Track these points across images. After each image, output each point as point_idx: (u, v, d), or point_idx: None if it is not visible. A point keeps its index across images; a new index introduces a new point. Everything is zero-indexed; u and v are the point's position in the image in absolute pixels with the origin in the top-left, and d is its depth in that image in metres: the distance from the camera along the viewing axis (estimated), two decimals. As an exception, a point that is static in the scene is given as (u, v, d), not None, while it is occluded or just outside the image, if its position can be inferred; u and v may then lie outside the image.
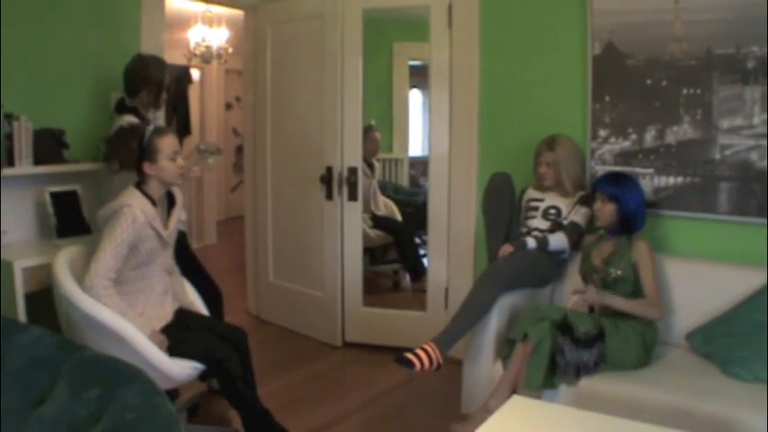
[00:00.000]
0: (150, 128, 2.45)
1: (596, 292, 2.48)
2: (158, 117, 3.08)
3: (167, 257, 2.55)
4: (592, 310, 2.62)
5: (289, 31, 3.95)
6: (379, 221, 4.74)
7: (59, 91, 3.14)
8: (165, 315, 2.52)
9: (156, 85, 2.93)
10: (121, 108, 2.94)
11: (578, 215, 2.86)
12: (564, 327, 2.43)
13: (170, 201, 2.58)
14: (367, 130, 4.78)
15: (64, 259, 2.42)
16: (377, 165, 5.06)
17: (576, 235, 2.82)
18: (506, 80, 3.33)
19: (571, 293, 2.50)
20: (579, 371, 2.37)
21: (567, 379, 2.37)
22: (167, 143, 2.43)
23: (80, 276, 2.34)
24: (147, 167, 2.41)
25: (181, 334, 2.45)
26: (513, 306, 2.72)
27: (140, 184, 2.44)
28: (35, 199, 3.03)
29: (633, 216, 2.58)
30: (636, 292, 2.52)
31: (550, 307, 2.66)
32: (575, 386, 2.37)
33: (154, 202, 2.43)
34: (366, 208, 4.69)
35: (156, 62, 2.99)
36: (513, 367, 2.47)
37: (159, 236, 2.43)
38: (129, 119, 2.84)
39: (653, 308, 2.47)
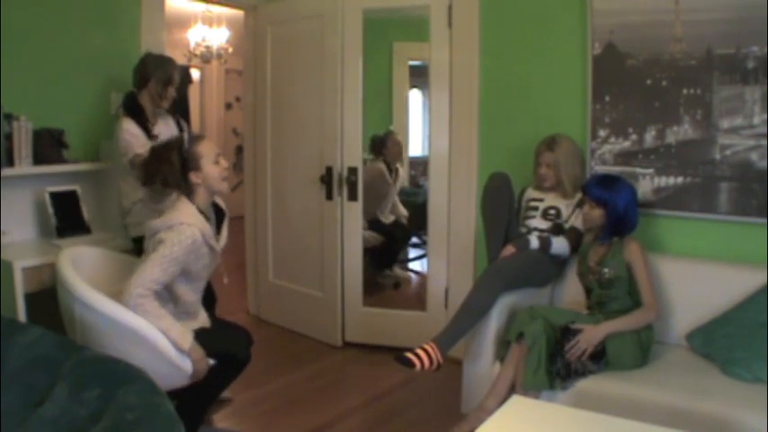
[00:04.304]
0: (185, 137, 2.39)
1: (591, 332, 2.40)
2: (168, 119, 3.07)
3: (214, 267, 2.51)
4: (590, 307, 2.62)
5: (289, 31, 3.95)
6: (373, 224, 4.75)
7: (59, 91, 3.14)
8: (202, 323, 2.51)
9: (165, 77, 2.93)
10: (128, 107, 2.94)
11: (579, 220, 2.85)
12: (567, 331, 2.44)
13: (217, 211, 2.53)
14: (387, 135, 4.85)
15: (68, 259, 2.40)
16: (401, 170, 5.07)
17: (578, 240, 2.82)
18: (506, 80, 3.33)
19: (569, 352, 2.41)
20: (576, 374, 2.37)
21: (562, 383, 2.37)
22: (208, 147, 2.38)
23: (84, 277, 2.33)
24: (193, 177, 2.33)
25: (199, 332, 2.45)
26: (513, 306, 2.71)
27: (188, 197, 2.36)
28: (35, 199, 3.03)
29: (622, 219, 2.53)
30: (632, 291, 2.52)
31: (546, 307, 2.66)
32: (568, 389, 2.37)
33: (207, 218, 2.39)
34: (371, 212, 4.71)
35: (167, 58, 3.02)
36: (509, 367, 2.47)
37: (213, 251, 2.40)
38: (129, 126, 2.84)
39: (647, 312, 2.45)
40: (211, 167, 2.36)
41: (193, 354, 2.28)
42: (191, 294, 2.42)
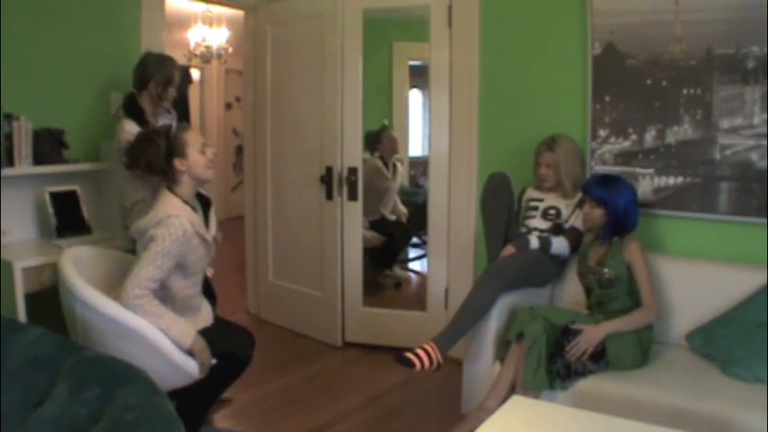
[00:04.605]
0: (173, 124, 2.41)
1: (591, 332, 2.40)
2: (167, 115, 3.08)
3: (209, 259, 2.51)
4: (590, 307, 2.62)
5: (289, 31, 3.95)
6: (375, 223, 4.74)
7: (59, 91, 3.14)
8: (206, 318, 2.51)
9: (165, 77, 2.93)
10: (128, 108, 2.94)
11: (579, 220, 2.85)
12: (566, 331, 2.44)
13: (202, 201, 2.53)
14: (381, 130, 4.82)
15: (70, 260, 2.40)
16: (399, 166, 5.04)
17: (577, 240, 2.82)
18: (506, 80, 3.33)
19: (569, 352, 2.41)
20: (576, 374, 2.37)
21: (562, 383, 2.37)
22: (194, 136, 2.39)
23: (85, 277, 2.33)
24: (178, 164, 2.33)
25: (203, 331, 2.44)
26: (513, 306, 2.72)
27: (172, 189, 2.36)
28: (35, 199, 3.03)
29: (623, 219, 2.53)
30: (632, 291, 2.52)
31: (546, 307, 2.65)
32: (568, 389, 2.37)
33: (193, 208, 2.38)
34: (376, 210, 4.70)
35: (167, 58, 3.01)
36: (510, 367, 2.47)
37: (205, 242, 2.39)
38: (130, 126, 2.84)
39: (647, 313, 2.45)
40: (197, 155, 2.36)
41: (196, 347, 2.28)
42: (189, 288, 2.41)
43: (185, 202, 2.36)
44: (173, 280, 2.32)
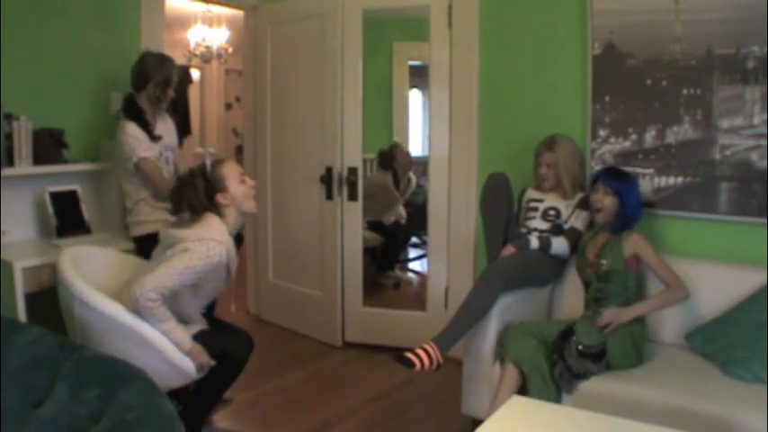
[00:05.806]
0: (207, 162, 2.43)
1: (616, 312, 2.44)
2: (166, 118, 3.08)
3: (224, 288, 2.54)
4: (587, 305, 2.62)
5: (289, 31, 3.95)
6: (373, 224, 4.75)
7: (59, 91, 3.14)
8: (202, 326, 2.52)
9: (164, 79, 2.92)
10: (128, 110, 2.94)
11: (579, 220, 2.86)
12: (566, 334, 2.43)
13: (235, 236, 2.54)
14: (395, 147, 4.86)
15: (68, 259, 2.40)
16: (413, 180, 5.04)
17: (577, 240, 2.82)
18: (506, 80, 3.33)
19: (598, 323, 2.44)
20: (579, 376, 2.37)
21: (566, 385, 2.37)
22: (231, 168, 2.43)
23: (85, 276, 2.33)
24: (221, 198, 2.38)
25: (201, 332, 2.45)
26: (513, 306, 2.71)
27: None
28: (35, 199, 3.03)
29: (633, 213, 2.58)
30: (629, 285, 2.52)
31: (536, 324, 2.62)
32: (573, 393, 2.36)
33: (234, 240, 2.41)
34: (378, 216, 4.71)
35: (166, 58, 3.01)
36: (506, 391, 2.42)
37: (229, 275, 2.43)
38: (132, 129, 2.84)
39: (676, 291, 2.47)
40: (237, 186, 2.41)
41: (193, 351, 2.29)
42: (193, 306, 2.43)
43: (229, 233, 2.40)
44: (181, 296, 2.33)
